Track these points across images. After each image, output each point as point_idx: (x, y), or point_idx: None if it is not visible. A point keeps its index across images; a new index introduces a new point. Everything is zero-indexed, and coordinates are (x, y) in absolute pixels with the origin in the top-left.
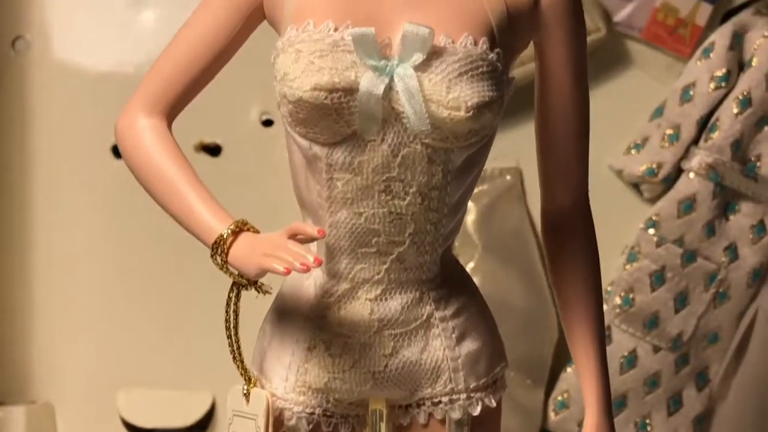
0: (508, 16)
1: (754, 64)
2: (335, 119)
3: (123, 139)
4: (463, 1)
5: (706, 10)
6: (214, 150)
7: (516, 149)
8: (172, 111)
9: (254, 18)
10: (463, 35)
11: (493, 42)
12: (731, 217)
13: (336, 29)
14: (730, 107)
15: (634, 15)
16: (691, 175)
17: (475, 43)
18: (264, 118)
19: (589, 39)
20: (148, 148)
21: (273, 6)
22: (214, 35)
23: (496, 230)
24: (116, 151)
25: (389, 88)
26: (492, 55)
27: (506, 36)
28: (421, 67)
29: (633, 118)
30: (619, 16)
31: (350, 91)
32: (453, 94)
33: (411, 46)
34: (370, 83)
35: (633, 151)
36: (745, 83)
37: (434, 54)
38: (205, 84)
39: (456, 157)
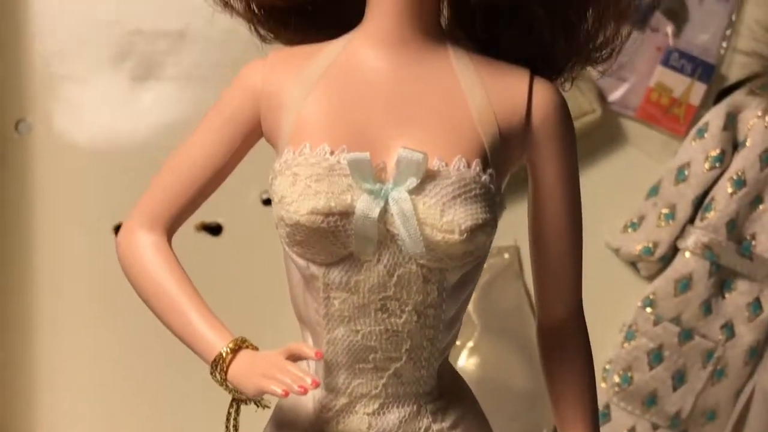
0: (501, 135)
1: (747, 144)
2: (332, 241)
3: (124, 256)
4: (456, 122)
5: (700, 89)
6: (215, 229)
7: (513, 228)
8: (172, 226)
9: (253, 136)
10: (456, 158)
11: (485, 163)
12: (727, 295)
13: (332, 152)
14: (725, 187)
15: (628, 95)
16: (687, 254)
17: (468, 165)
18: (264, 197)
19: (585, 120)
20: (148, 264)
21: (270, 127)
22: (214, 153)
23: (494, 309)
24: (118, 231)
25: (384, 210)
26: (485, 177)
27: (499, 155)
28: (416, 191)
29: (629, 196)
30: (614, 96)
31: (346, 214)
32: (447, 218)
33: (406, 171)
34: (365, 206)
35: (630, 230)
36: (739, 163)
37: (428, 177)
38: (206, 198)
39: (451, 276)
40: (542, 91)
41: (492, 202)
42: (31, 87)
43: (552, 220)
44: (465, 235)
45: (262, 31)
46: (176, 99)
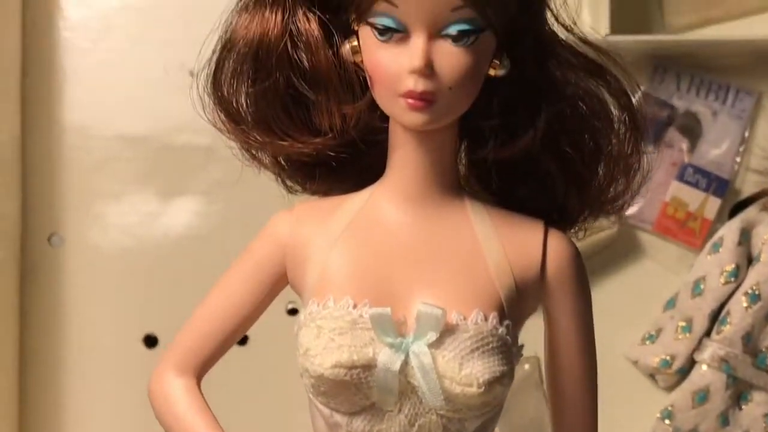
0: (517, 288)
1: (762, 259)
2: (354, 392)
3: (155, 399)
4: (474, 276)
5: (715, 204)
6: (241, 339)
7: (534, 338)
8: (202, 370)
9: (279, 285)
10: (474, 311)
11: (502, 315)
12: (744, 407)
13: (355, 306)
14: (740, 301)
15: (644, 209)
16: (704, 367)
17: (485, 318)
18: (289, 307)
19: (602, 235)
20: (179, 406)
21: (296, 277)
22: (241, 303)
23: (515, 420)
24: (147, 341)
25: (405, 363)
26: (501, 329)
27: (515, 307)
28: (435, 345)
29: (647, 309)
30: (631, 210)
31: (368, 367)
32: (465, 371)
33: (425, 326)
34: (387, 360)
35: (647, 342)
36: (753, 278)
37: (447, 331)
38: (234, 342)
39: (470, 424)
40: (556, 243)
41: (509, 353)
42: (64, 202)
43: (567, 361)
44: (483, 388)
45: (288, 182)
46: (204, 213)
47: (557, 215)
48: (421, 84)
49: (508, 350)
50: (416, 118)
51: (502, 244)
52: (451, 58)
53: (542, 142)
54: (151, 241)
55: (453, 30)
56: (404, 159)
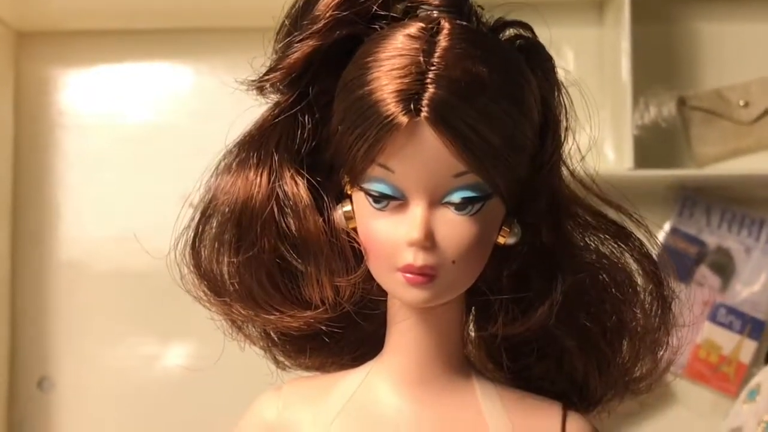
0: None
1: None
2: None
3: None
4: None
5: (750, 347)
6: None
7: None
8: None
9: None
10: None
11: None
12: None
13: None
14: None
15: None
16: None
17: None
18: None
19: None
20: None
21: None
22: None
23: None
24: None
25: None
26: None
27: None
28: None
29: None
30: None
31: None
32: None
33: None
34: None
35: None
36: None
37: None
38: None
39: None
40: (576, 429)
41: None
42: (55, 343)
43: None
44: None
45: (278, 357)
46: (205, 356)
47: (577, 397)
48: (421, 258)
49: None
50: (416, 295)
51: (514, 431)
52: (454, 228)
53: (558, 316)
54: (149, 386)
55: (456, 197)
56: (404, 337)
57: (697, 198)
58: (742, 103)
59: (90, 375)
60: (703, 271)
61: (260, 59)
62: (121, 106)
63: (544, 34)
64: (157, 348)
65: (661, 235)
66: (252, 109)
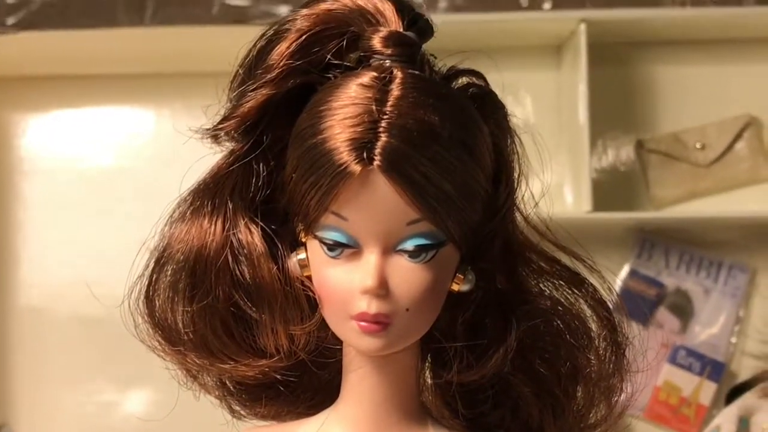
0: None
1: None
2: None
3: None
4: None
5: (710, 388)
6: None
7: None
8: None
9: None
10: None
11: None
12: None
13: None
14: None
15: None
16: None
17: None
18: None
19: None
20: None
21: None
22: None
23: None
24: None
25: None
26: None
27: None
28: None
29: None
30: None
31: None
32: None
33: None
34: None
35: None
36: None
37: None
38: None
39: None
40: None
41: None
42: (14, 389)
43: None
44: None
45: (233, 406)
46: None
47: None
48: (375, 305)
49: None
50: (370, 343)
51: None
52: (408, 275)
53: (513, 363)
54: (110, 426)
55: (410, 245)
56: (359, 385)
57: (656, 240)
58: (699, 145)
59: (49, 422)
60: (663, 313)
61: (215, 107)
62: (80, 151)
63: (499, 80)
64: (115, 395)
65: (620, 278)
66: (209, 156)
